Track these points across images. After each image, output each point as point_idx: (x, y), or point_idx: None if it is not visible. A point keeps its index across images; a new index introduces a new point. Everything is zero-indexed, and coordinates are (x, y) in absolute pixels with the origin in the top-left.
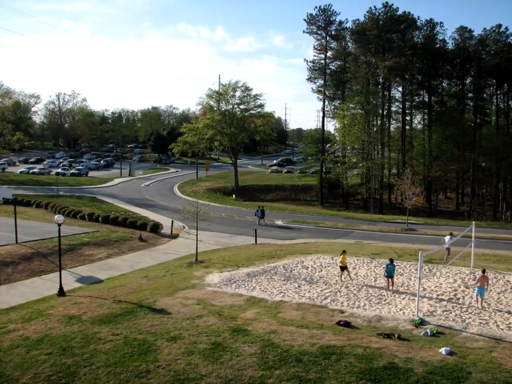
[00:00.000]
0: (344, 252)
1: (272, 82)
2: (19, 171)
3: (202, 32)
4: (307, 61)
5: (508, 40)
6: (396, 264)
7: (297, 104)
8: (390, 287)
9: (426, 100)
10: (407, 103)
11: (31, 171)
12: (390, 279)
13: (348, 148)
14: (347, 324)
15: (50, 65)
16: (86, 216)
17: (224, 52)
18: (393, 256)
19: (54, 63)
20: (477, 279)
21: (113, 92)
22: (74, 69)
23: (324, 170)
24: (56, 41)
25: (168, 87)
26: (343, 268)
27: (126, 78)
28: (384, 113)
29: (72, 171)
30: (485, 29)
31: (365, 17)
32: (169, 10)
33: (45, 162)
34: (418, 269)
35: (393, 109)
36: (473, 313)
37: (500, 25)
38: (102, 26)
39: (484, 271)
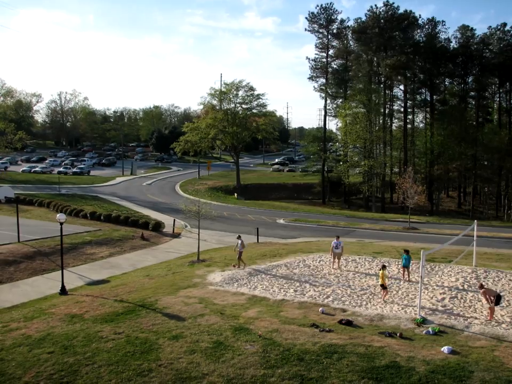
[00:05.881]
0: (384, 266)
1: None
2: (21, 170)
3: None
4: (309, 59)
5: None
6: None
7: (299, 103)
8: (406, 277)
9: (428, 99)
10: (409, 101)
11: (33, 170)
12: (405, 269)
13: (350, 146)
14: (349, 323)
15: (52, 64)
16: (88, 214)
17: None
18: (394, 254)
19: (55, 61)
20: None
21: (115, 91)
22: (76, 67)
23: (326, 169)
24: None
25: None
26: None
27: (128, 77)
28: (386, 111)
29: (74, 170)
30: (490, 27)
31: (366, 15)
32: None
33: (47, 161)
34: (420, 268)
35: (395, 107)
36: (475, 312)
37: (504, 24)
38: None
39: None
